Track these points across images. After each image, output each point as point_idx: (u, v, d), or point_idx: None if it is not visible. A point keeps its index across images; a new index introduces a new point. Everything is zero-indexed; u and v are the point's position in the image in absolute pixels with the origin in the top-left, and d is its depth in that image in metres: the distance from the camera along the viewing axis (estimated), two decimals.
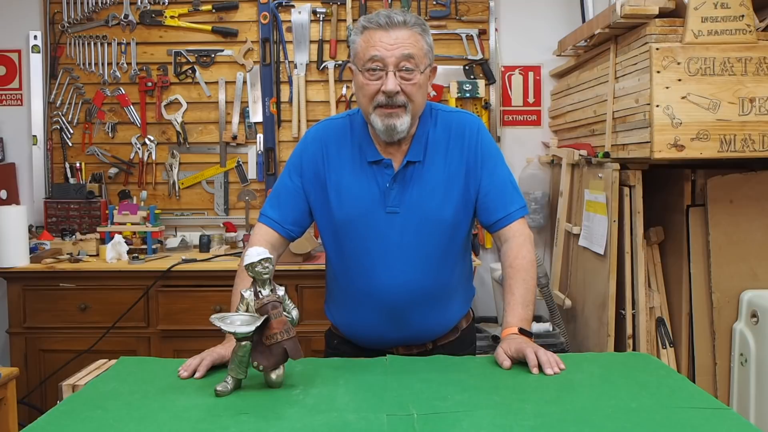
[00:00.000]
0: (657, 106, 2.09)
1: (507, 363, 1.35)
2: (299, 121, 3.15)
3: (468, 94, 3.05)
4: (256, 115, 3.19)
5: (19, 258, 2.68)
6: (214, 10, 3.16)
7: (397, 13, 1.45)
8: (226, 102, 3.19)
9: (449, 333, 1.61)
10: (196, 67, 3.18)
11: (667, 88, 2.10)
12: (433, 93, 3.12)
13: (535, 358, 1.32)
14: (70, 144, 3.20)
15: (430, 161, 1.53)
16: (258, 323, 1.20)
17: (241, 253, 2.88)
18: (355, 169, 1.54)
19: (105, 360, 1.50)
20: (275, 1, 3.15)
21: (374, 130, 1.51)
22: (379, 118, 1.46)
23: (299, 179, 1.58)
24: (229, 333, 1.21)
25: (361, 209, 1.51)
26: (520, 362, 1.36)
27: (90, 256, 2.86)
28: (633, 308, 2.33)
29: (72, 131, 3.20)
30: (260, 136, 3.18)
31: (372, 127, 1.50)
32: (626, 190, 2.34)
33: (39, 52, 3.16)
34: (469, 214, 1.57)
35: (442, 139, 1.55)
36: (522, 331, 1.42)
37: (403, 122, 1.46)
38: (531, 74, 3.25)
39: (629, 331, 2.33)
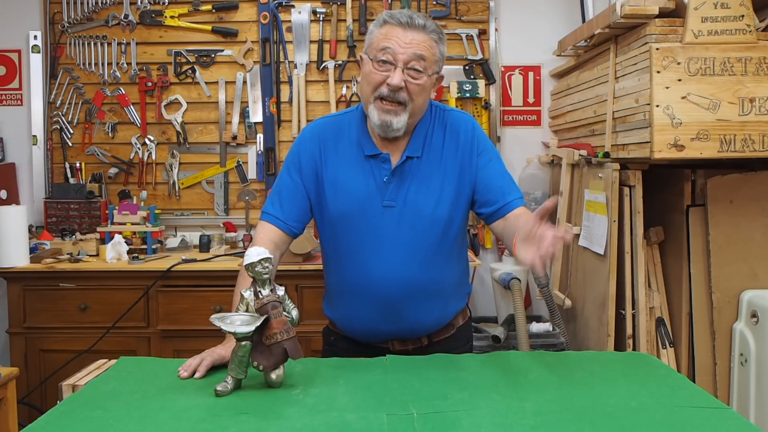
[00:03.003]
0: (657, 106, 2.09)
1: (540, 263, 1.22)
2: (299, 121, 3.15)
3: (468, 94, 3.05)
4: (256, 115, 3.19)
5: (19, 258, 2.68)
6: (214, 10, 3.16)
7: (419, 16, 1.47)
8: (226, 102, 3.19)
9: (444, 329, 1.63)
10: (196, 67, 3.18)
11: (667, 88, 2.10)
12: (433, 93, 3.11)
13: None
14: (70, 144, 3.20)
15: (427, 158, 1.55)
16: (258, 323, 1.20)
17: (240, 253, 2.89)
18: (352, 163, 1.55)
19: (105, 360, 1.50)
20: (275, 1, 3.15)
21: (371, 125, 1.53)
22: (377, 111, 1.47)
23: (299, 176, 1.59)
24: (229, 333, 1.21)
25: (357, 202, 1.53)
26: (520, 363, 1.35)
27: (90, 256, 2.86)
28: (633, 308, 2.33)
29: (72, 131, 3.20)
30: (260, 136, 3.18)
31: (369, 119, 1.52)
32: (626, 190, 2.34)
33: (39, 52, 3.16)
34: (464, 211, 1.59)
35: (439, 136, 1.57)
36: None
37: (399, 120, 1.47)
38: (531, 74, 3.25)
39: (629, 331, 2.33)
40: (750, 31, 2.11)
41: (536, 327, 2.76)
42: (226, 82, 3.19)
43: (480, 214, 1.59)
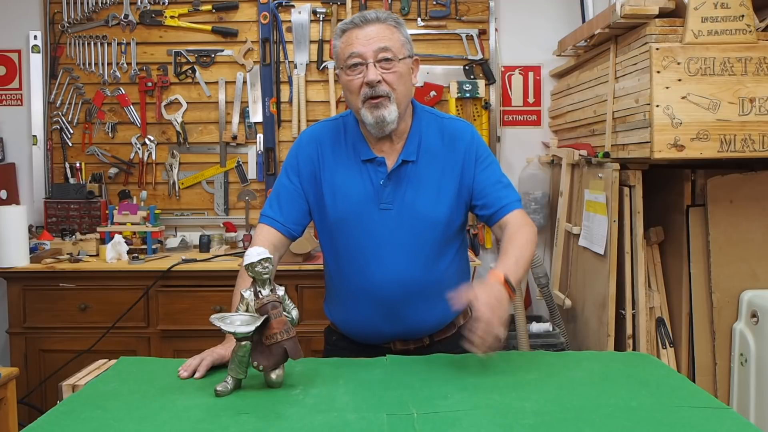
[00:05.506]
0: (657, 106, 2.09)
1: (457, 307, 1.33)
2: (299, 121, 3.15)
3: (468, 94, 3.05)
4: (256, 115, 3.19)
5: (19, 258, 2.68)
6: (214, 10, 3.16)
7: (370, 12, 1.52)
8: (226, 102, 3.19)
9: (446, 328, 1.63)
10: (196, 67, 3.18)
11: (667, 88, 2.10)
12: (433, 93, 3.12)
13: (476, 336, 1.24)
14: (70, 144, 3.20)
15: (424, 162, 1.56)
16: (258, 323, 1.20)
17: (240, 252, 2.89)
18: (349, 167, 1.57)
19: (105, 360, 1.50)
20: (275, 1, 3.15)
21: (366, 128, 1.54)
22: (368, 111, 1.49)
23: (297, 179, 1.61)
24: (229, 333, 1.21)
25: (355, 206, 1.54)
26: (520, 363, 1.36)
27: (90, 256, 2.86)
28: (633, 308, 2.33)
29: (72, 131, 3.20)
30: (260, 136, 3.18)
31: (364, 124, 1.53)
32: (626, 190, 2.34)
33: (39, 52, 3.16)
34: (463, 213, 1.61)
35: (436, 142, 1.58)
36: (506, 282, 1.34)
37: (391, 112, 1.49)
38: (531, 74, 3.25)
39: (629, 331, 2.33)
40: (750, 31, 2.12)
41: (536, 327, 2.76)
42: (226, 82, 3.19)
43: (480, 217, 1.61)
